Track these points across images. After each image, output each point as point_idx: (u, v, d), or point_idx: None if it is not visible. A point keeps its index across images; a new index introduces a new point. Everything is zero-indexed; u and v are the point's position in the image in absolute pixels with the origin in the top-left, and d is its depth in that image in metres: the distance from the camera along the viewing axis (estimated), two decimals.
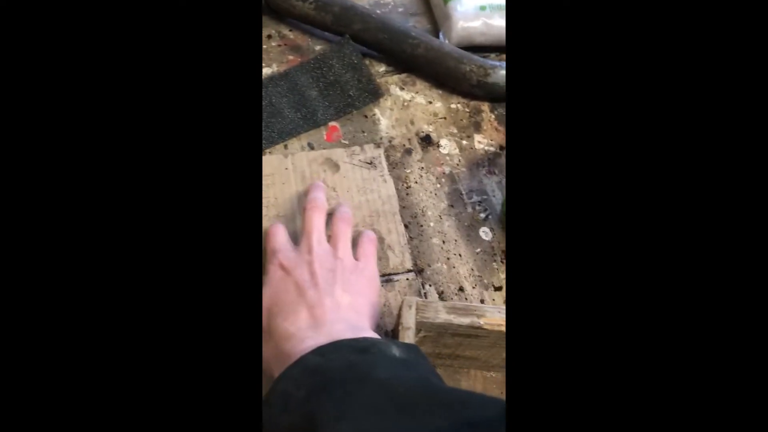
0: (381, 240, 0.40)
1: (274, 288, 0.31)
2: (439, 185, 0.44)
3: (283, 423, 0.23)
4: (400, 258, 0.39)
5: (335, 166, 0.43)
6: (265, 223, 0.39)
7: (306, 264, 0.32)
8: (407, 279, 0.39)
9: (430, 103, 0.49)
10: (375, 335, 0.28)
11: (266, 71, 0.49)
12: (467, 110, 0.49)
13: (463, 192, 0.44)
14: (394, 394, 0.22)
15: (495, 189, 0.44)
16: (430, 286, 0.39)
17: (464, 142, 0.47)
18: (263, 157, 0.43)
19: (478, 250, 0.41)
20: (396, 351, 0.25)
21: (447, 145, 0.46)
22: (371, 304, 0.32)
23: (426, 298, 0.38)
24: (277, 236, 0.35)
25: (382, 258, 0.39)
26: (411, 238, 0.41)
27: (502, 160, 0.46)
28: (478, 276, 0.40)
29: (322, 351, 0.25)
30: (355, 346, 0.25)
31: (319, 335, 0.27)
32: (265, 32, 0.52)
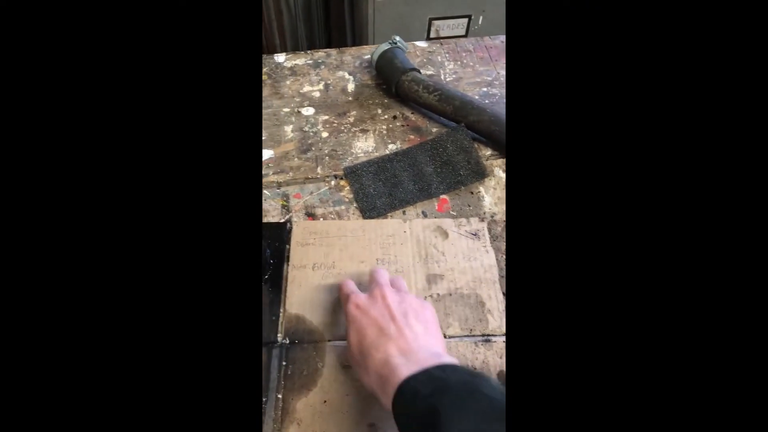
0: (482, 304, 0.46)
1: (357, 326, 0.38)
2: None
3: (412, 408, 0.31)
4: (498, 322, 0.45)
5: (445, 234, 0.51)
6: (388, 276, 0.47)
7: (380, 301, 0.39)
8: (503, 341, 0.45)
9: None
10: (453, 359, 0.35)
11: (391, 147, 0.59)
12: None
13: None
14: (495, 407, 0.29)
15: None
16: None
17: None
18: (386, 220, 0.52)
19: None
20: (493, 380, 0.33)
21: None
22: (438, 329, 0.39)
23: None
24: (349, 284, 0.43)
25: (482, 320, 0.45)
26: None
27: None
28: None
29: (443, 368, 0.33)
30: (469, 370, 0.33)
31: (410, 363, 0.34)
32: (391, 113, 0.62)
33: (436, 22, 1.05)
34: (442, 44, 0.72)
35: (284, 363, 0.42)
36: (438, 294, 0.47)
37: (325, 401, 0.40)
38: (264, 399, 0.40)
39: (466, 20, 1.05)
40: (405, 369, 0.33)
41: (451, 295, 0.47)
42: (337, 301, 0.46)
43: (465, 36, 1.07)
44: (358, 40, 1.16)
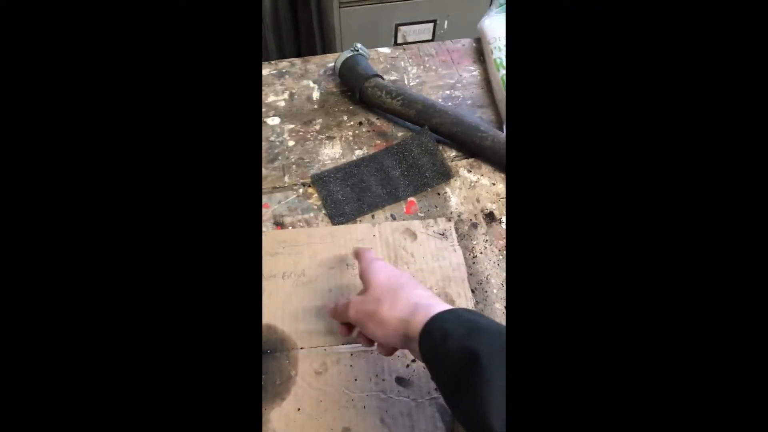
0: (452, 302, 0.47)
1: (389, 269, 0.40)
2: (501, 256, 0.51)
3: (442, 348, 0.30)
4: None
5: (413, 235, 0.52)
6: (357, 281, 0.48)
7: (392, 268, 0.41)
8: None
9: (494, 184, 0.57)
10: None
11: (358, 153, 0.59)
12: None
13: None
14: None
15: None
16: None
17: None
18: (355, 225, 0.52)
19: None
20: None
21: None
22: None
23: None
24: (371, 252, 0.44)
25: None
26: (477, 302, 0.48)
27: None
28: None
29: (469, 311, 0.33)
30: (492, 319, 0.33)
31: (440, 304, 0.34)
32: (356, 120, 0.63)
33: (402, 28, 1.07)
34: (405, 50, 0.73)
35: None
36: None
37: (299, 409, 0.40)
38: None
39: (431, 25, 1.07)
40: (438, 307, 0.33)
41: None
42: (307, 308, 0.46)
43: (431, 40, 1.09)
44: (328, 48, 1.17)
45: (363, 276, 0.40)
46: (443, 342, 0.30)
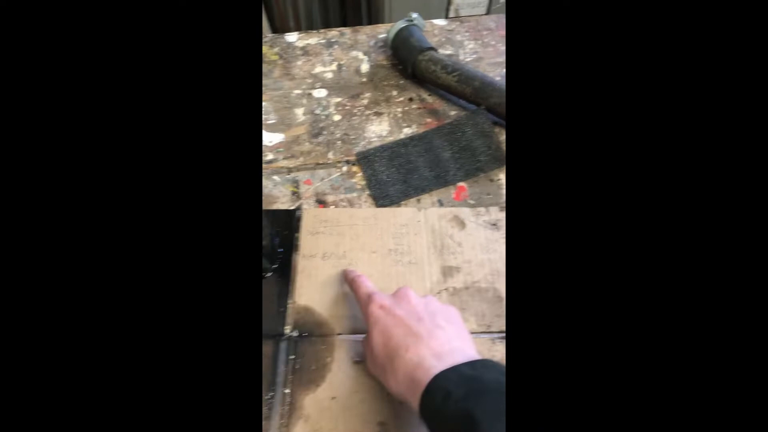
0: (500, 299, 0.44)
1: (382, 326, 0.35)
2: None
3: (443, 410, 0.28)
4: None
5: (462, 224, 0.48)
6: (398, 269, 0.45)
7: (406, 301, 0.36)
8: None
9: None
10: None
11: (406, 131, 0.56)
12: None
13: None
14: None
15: None
16: None
17: None
18: (399, 208, 0.49)
19: None
20: None
21: None
22: (467, 331, 0.36)
23: None
24: (368, 282, 0.40)
25: (500, 315, 0.43)
26: None
27: None
28: None
29: (473, 366, 0.30)
30: (500, 368, 0.30)
31: (442, 365, 0.31)
32: (407, 95, 0.59)
33: (455, 0, 1.00)
34: (462, 22, 0.68)
35: (292, 357, 0.41)
36: (454, 287, 0.44)
37: (333, 398, 0.39)
38: (271, 393, 0.39)
39: None
40: (435, 371, 0.30)
41: (467, 288, 0.44)
42: (348, 294, 0.44)
43: (486, 14, 1.02)
44: (374, 19, 1.12)
45: (363, 316, 0.38)
46: (443, 402, 0.28)
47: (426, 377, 0.30)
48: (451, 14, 1.02)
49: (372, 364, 0.36)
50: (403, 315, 0.35)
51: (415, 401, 0.31)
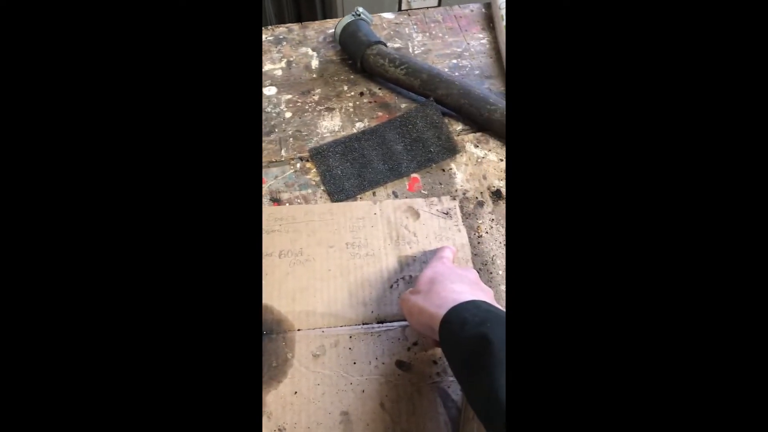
0: None
1: (432, 270, 0.40)
2: None
3: (460, 335, 0.32)
4: None
5: (416, 214, 0.49)
6: (356, 261, 0.46)
7: (449, 261, 0.43)
8: None
9: (502, 160, 0.54)
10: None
11: (359, 125, 0.56)
12: None
13: None
14: None
15: None
16: None
17: None
18: (355, 202, 0.50)
19: None
20: None
21: None
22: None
23: None
24: (445, 250, 0.46)
25: None
26: None
27: None
28: None
29: (489, 304, 0.35)
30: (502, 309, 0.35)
31: (475, 297, 0.36)
32: (357, 90, 0.60)
33: None
34: (409, 15, 0.68)
35: None
36: (410, 276, 0.45)
37: (295, 392, 0.39)
38: None
39: None
40: (469, 297, 0.35)
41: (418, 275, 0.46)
42: (308, 289, 0.44)
43: (438, 6, 1.03)
44: (329, 12, 1.11)
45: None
46: (461, 329, 0.32)
47: (461, 297, 0.35)
48: (404, 7, 1.02)
49: (408, 295, 0.40)
50: (453, 266, 0.42)
51: (431, 329, 0.35)
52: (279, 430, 0.37)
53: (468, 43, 0.65)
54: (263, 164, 0.53)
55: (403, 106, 0.58)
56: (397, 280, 0.45)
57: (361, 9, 0.61)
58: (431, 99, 0.55)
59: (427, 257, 0.46)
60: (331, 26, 0.66)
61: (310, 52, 0.64)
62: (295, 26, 0.67)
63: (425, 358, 0.41)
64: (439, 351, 0.41)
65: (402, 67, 0.56)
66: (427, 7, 0.92)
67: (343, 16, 0.61)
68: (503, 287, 0.46)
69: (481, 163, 0.54)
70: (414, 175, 0.53)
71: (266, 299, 0.44)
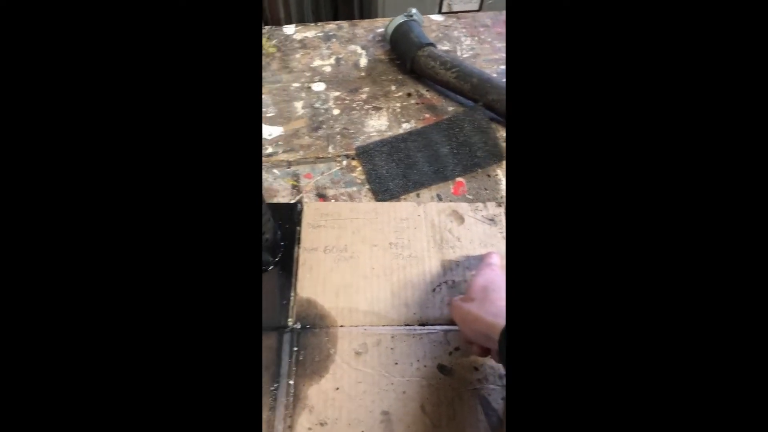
0: None
1: (483, 278, 0.40)
2: None
3: None
4: None
5: (460, 218, 0.49)
6: (399, 262, 0.46)
7: (498, 268, 0.43)
8: None
9: None
10: None
11: (405, 126, 0.56)
12: None
13: None
14: None
15: None
16: None
17: None
18: (399, 203, 0.50)
19: None
20: None
21: None
22: None
23: None
24: (492, 256, 0.45)
25: None
26: None
27: None
28: None
29: None
30: None
31: None
32: (405, 90, 0.60)
33: None
34: (458, 18, 0.68)
35: (296, 348, 0.41)
36: (453, 281, 0.45)
37: (337, 388, 0.39)
38: (276, 385, 0.40)
39: None
40: None
41: (466, 281, 0.45)
42: (352, 285, 0.45)
43: (479, 10, 1.03)
44: (366, 13, 1.11)
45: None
46: None
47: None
48: (444, 9, 1.02)
49: (461, 302, 0.39)
50: (501, 273, 0.42)
51: (488, 338, 0.35)
52: (321, 424, 0.38)
53: None
54: (310, 160, 0.53)
55: (450, 109, 0.58)
56: (440, 284, 0.45)
57: (414, 10, 0.61)
58: (480, 104, 0.55)
59: (470, 263, 0.46)
60: (381, 25, 0.66)
61: (359, 50, 0.64)
62: (344, 23, 0.67)
63: (466, 363, 0.41)
64: (480, 358, 0.41)
65: (453, 70, 0.55)
66: (475, 11, 0.91)
67: (382, 17, 0.61)
68: None
69: None
70: (459, 179, 0.52)
71: (310, 294, 0.44)
